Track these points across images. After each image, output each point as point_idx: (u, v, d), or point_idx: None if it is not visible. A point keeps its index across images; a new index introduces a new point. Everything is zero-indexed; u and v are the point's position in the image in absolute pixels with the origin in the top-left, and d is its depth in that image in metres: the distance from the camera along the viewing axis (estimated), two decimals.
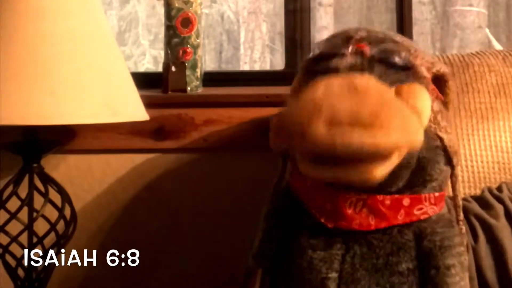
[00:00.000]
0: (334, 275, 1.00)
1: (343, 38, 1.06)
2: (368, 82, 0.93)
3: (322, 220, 1.02)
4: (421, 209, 1.02)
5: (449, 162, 1.04)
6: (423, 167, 1.01)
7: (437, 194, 1.04)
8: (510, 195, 1.26)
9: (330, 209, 1.01)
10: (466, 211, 1.21)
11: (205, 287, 1.58)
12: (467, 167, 1.31)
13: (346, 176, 0.93)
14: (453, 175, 1.06)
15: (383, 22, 4.80)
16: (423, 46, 4.75)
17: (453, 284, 0.99)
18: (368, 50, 1.02)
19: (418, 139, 0.94)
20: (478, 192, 1.30)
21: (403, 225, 1.01)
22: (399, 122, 0.90)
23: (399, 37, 1.08)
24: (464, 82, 1.39)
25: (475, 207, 1.24)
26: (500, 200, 1.25)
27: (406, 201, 1.01)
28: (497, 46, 3.24)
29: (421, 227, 1.02)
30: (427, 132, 0.99)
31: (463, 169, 1.31)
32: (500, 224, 1.21)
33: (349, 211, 1.00)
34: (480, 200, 1.26)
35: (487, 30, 4.59)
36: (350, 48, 1.02)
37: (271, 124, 0.99)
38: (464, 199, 1.26)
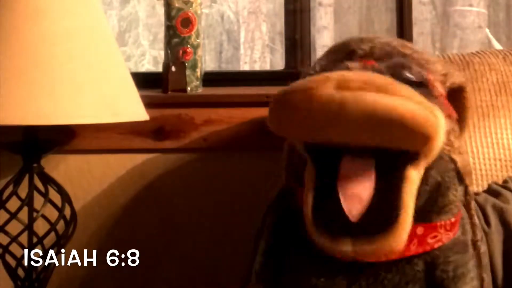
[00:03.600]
0: None
1: (345, 53, 0.99)
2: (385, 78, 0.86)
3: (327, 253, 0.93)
4: (435, 237, 0.95)
5: (461, 181, 0.98)
6: (440, 194, 0.94)
7: (453, 219, 0.97)
8: None
9: None
10: (477, 200, 1.18)
11: (205, 286, 1.58)
12: (469, 164, 1.31)
13: (364, 249, 0.85)
14: (467, 195, 1.00)
15: (383, 22, 4.80)
16: (423, 46, 4.75)
17: None
18: (376, 65, 0.94)
19: (437, 122, 0.84)
20: (481, 189, 1.30)
21: (414, 254, 0.94)
22: (416, 96, 0.82)
23: (408, 49, 0.99)
24: None
25: (487, 196, 1.22)
26: (507, 188, 1.24)
27: (420, 230, 0.93)
28: (497, 46, 3.24)
29: (434, 255, 0.95)
30: (441, 155, 0.92)
31: None
32: (510, 207, 1.19)
33: None
34: (488, 191, 1.25)
35: (487, 30, 4.59)
36: (354, 64, 0.95)
37: (270, 102, 0.90)
38: (475, 193, 1.24)
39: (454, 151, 0.97)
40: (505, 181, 1.29)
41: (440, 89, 0.97)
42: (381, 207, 0.86)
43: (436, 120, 0.84)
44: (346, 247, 0.87)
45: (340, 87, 0.81)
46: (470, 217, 1.01)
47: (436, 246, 0.95)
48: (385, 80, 0.83)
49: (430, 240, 0.94)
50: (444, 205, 0.95)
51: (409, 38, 1.78)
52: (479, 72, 1.40)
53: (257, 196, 1.54)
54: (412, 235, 0.91)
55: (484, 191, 1.26)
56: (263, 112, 1.55)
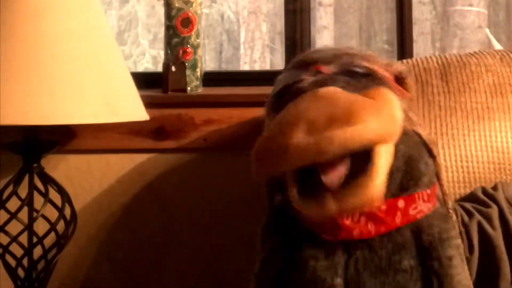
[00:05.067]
0: (339, 281, 1.00)
1: (299, 66, 1.08)
2: (333, 89, 0.96)
3: (323, 236, 1.01)
4: (415, 208, 1.03)
5: (430, 153, 1.05)
6: (412, 166, 1.02)
7: (428, 191, 1.05)
8: (505, 195, 1.26)
9: (328, 223, 1.00)
10: (463, 215, 1.22)
11: (205, 286, 1.58)
12: (463, 167, 1.31)
13: (346, 203, 0.93)
14: (436, 165, 1.07)
15: (383, 22, 4.80)
16: (423, 46, 4.76)
17: (456, 275, 1.00)
18: (326, 69, 1.04)
19: (396, 127, 0.95)
20: None
21: (401, 226, 1.02)
22: (373, 112, 0.92)
23: (353, 50, 1.10)
24: (461, 82, 1.39)
25: (473, 211, 1.24)
26: (494, 200, 1.25)
27: (401, 203, 1.02)
28: (497, 46, 3.24)
29: (418, 223, 1.03)
30: (404, 131, 1.00)
31: (459, 170, 1.31)
32: (497, 234, 1.21)
33: (347, 222, 1.00)
34: (474, 201, 1.26)
35: (487, 30, 4.59)
36: (308, 73, 1.04)
37: (251, 154, 0.99)
38: (459, 205, 1.26)
39: (415, 125, 1.05)
40: (494, 187, 1.29)
41: (386, 74, 1.06)
42: (356, 170, 0.94)
43: (396, 120, 0.95)
44: (331, 206, 0.93)
45: (310, 132, 0.90)
46: (441, 185, 1.08)
47: (418, 216, 1.03)
48: (344, 108, 0.92)
49: (412, 212, 1.02)
50: (418, 176, 1.03)
51: (409, 38, 1.78)
52: (475, 73, 1.39)
53: (257, 196, 1.54)
54: (395, 208, 1.01)
55: (469, 198, 1.27)
56: (263, 112, 1.57)
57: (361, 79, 1.02)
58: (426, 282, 1.00)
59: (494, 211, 1.23)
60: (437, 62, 1.43)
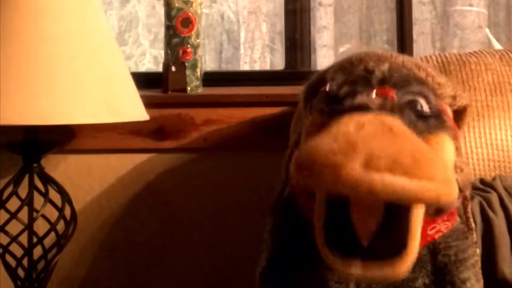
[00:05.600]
0: None
1: (362, 72, 0.99)
2: (402, 126, 0.87)
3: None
4: (434, 228, 1.00)
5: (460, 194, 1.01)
6: (440, 209, 0.97)
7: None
8: (503, 184, 1.26)
9: None
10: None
11: (205, 286, 1.58)
12: None
13: (371, 275, 0.88)
14: (465, 199, 1.04)
15: (383, 22, 4.80)
16: (423, 46, 4.76)
17: None
18: (395, 96, 0.95)
19: (455, 190, 0.88)
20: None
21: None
22: (440, 170, 0.85)
23: (422, 71, 1.01)
24: (461, 80, 1.39)
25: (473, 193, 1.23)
26: (493, 187, 1.25)
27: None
28: (497, 46, 3.24)
29: (435, 242, 1.00)
30: None
31: None
32: (498, 218, 1.20)
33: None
34: (473, 188, 1.25)
35: (487, 30, 4.59)
36: (374, 92, 0.95)
37: (293, 159, 0.90)
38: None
39: (456, 170, 0.99)
40: (493, 178, 1.29)
41: (449, 114, 1.00)
42: (390, 232, 0.88)
43: (454, 194, 0.87)
44: (356, 270, 0.88)
45: (367, 166, 0.82)
46: (467, 218, 1.05)
47: (436, 237, 1.00)
48: (413, 156, 0.84)
49: (430, 232, 0.99)
50: (442, 212, 0.99)
51: (409, 38, 1.78)
52: (475, 72, 1.40)
53: (257, 195, 1.54)
54: None
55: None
56: (263, 112, 1.57)
57: (426, 119, 0.94)
58: None
59: (494, 197, 1.22)
60: (437, 61, 1.43)
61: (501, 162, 1.32)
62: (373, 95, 0.94)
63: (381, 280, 0.94)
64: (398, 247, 0.88)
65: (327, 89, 1.00)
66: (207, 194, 1.59)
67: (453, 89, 1.03)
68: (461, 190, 1.00)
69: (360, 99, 0.94)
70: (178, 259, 1.58)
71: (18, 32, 1.30)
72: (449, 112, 1.01)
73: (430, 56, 1.46)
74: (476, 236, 1.15)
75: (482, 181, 1.28)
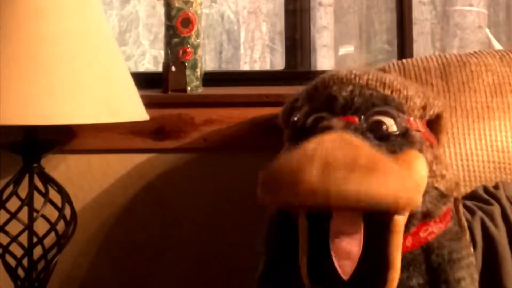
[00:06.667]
0: None
1: (326, 99, 1.00)
2: (362, 140, 0.90)
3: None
4: (426, 230, 1.00)
5: (449, 199, 1.02)
6: (428, 216, 0.99)
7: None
8: (507, 194, 1.26)
9: None
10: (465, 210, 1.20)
11: (205, 286, 1.58)
12: (463, 166, 1.31)
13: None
14: (456, 200, 1.05)
15: (383, 22, 4.80)
16: (423, 46, 4.75)
17: None
18: (357, 122, 0.97)
19: (417, 196, 0.90)
20: None
21: (411, 249, 1.00)
22: (397, 173, 0.86)
23: (387, 88, 1.01)
24: (461, 81, 1.39)
25: (475, 209, 1.23)
26: (496, 198, 1.24)
27: (412, 229, 0.99)
28: (497, 46, 3.25)
29: (429, 242, 1.01)
30: (426, 187, 0.97)
31: (459, 169, 1.31)
32: (500, 232, 1.20)
33: None
34: (475, 199, 1.26)
35: (487, 30, 4.59)
36: (336, 120, 0.97)
37: (259, 179, 0.93)
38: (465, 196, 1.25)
39: (437, 178, 0.99)
40: (495, 186, 1.28)
41: (419, 127, 1.00)
42: (371, 263, 0.90)
43: (414, 200, 0.90)
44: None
45: (324, 173, 0.84)
46: (459, 219, 1.05)
47: (429, 238, 1.00)
48: (368, 158, 0.86)
49: (422, 234, 1.00)
50: (433, 216, 1.00)
51: (409, 38, 1.78)
52: (475, 73, 1.39)
53: (257, 196, 1.54)
54: (406, 234, 0.96)
55: (471, 196, 1.26)
56: (263, 112, 1.57)
57: (392, 140, 0.96)
58: None
59: (496, 209, 1.22)
60: (437, 62, 1.43)
61: (502, 163, 1.32)
62: (336, 120, 0.96)
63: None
64: (380, 280, 0.90)
65: (296, 119, 1.04)
66: (207, 194, 1.59)
67: (423, 99, 1.03)
68: (446, 195, 1.01)
69: (325, 123, 0.96)
70: (178, 259, 1.58)
71: (18, 32, 1.30)
72: (419, 124, 1.01)
73: (430, 56, 1.45)
74: (475, 251, 1.15)
75: (485, 189, 1.27)
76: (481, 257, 1.18)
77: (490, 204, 1.23)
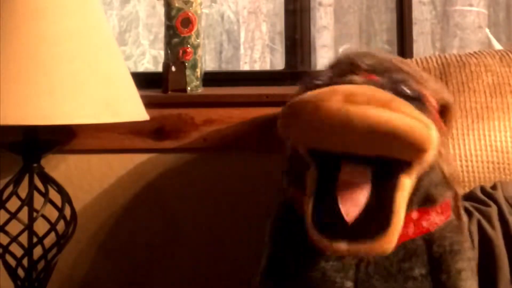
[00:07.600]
0: (349, 284, 1.00)
1: (349, 66, 1.05)
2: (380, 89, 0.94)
3: None
4: (428, 219, 1.03)
5: (451, 188, 1.05)
6: (430, 198, 1.02)
7: (443, 204, 1.05)
8: (505, 194, 1.26)
9: None
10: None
11: (205, 286, 1.58)
12: (462, 166, 1.31)
13: (357, 251, 0.93)
14: (456, 198, 1.07)
15: (383, 22, 4.80)
16: (423, 46, 4.75)
17: None
18: (378, 80, 1.01)
19: (432, 136, 0.92)
20: None
21: (413, 237, 1.02)
22: (413, 112, 0.90)
23: (406, 66, 1.07)
24: (461, 82, 1.39)
25: (472, 210, 1.23)
26: (493, 199, 1.25)
27: (414, 215, 1.01)
28: (497, 46, 3.24)
29: (430, 233, 1.03)
30: (433, 166, 0.99)
31: (459, 169, 1.31)
32: (497, 233, 1.20)
33: None
34: (472, 200, 1.26)
35: (487, 30, 4.59)
36: (358, 77, 1.01)
37: (281, 111, 0.97)
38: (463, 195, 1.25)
39: (443, 161, 1.03)
40: (493, 187, 1.28)
41: (433, 103, 1.04)
42: (375, 211, 0.93)
43: (430, 134, 0.93)
44: (342, 247, 0.92)
45: (347, 101, 0.89)
46: (459, 215, 1.08)
47: (431, 228, 1.03)
48: (387, 96, 0.92)
49: (424, 223, 1.02)
50: (434, 201, 1.04)
51: (409, 38, 1.78)
52: (475, 73, 1.39)
53: (257, 195, 1.54)
54: (408, 220, 0.99)
55: (468, 197, 1.26)
56: (263, 112, 1.57)
57: (408, 101, 0.98)
58: None
59: (493, 211, 1.22)
60: (437, 62, 1.43)
61: (501, 164, 1.32)
62: (358, 79, 1.01)
63: (365, 254, 0.97)
64: (382, 224, 0.92)
65: (319, 83, 1.05)
66: (207, 194, 1.59)
67: (435, 85, 1.08)
68: (448, 183, 1.03)
69: (347, 78, 1.01)
70: (178, 259, 1.58)
71: (18, 32, 1.30)
72: (433, 102, 1.04)
73: (430, 57, 1.46)
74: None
75: (483, 190, 1.28)
76: (477, 259, 1.18)
77: (487, 205, 1.24)
